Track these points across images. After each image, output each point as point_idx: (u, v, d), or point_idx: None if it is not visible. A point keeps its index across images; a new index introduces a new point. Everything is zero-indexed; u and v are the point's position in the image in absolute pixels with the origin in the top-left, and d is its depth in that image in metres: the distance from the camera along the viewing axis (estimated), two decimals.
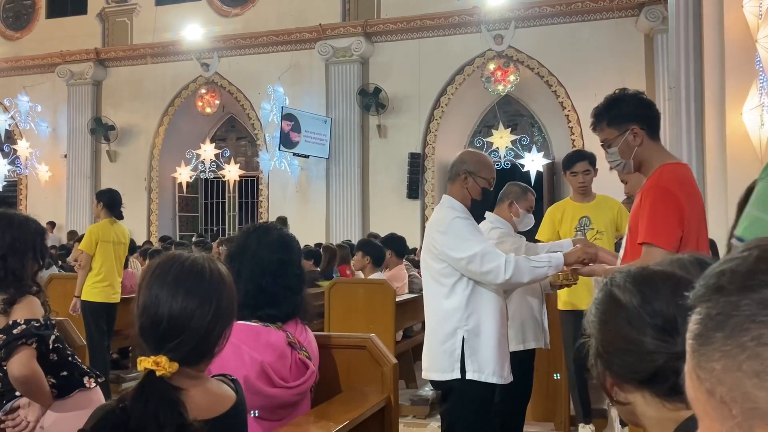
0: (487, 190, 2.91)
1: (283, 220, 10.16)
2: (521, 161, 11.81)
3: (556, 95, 11.67)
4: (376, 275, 5.53)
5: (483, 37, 11.83)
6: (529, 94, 12.31)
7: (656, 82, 10.69)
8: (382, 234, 6.89)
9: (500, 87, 11.74)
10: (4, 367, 2.07)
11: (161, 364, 1.28)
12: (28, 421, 2.14)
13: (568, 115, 11.59)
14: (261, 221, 12.91)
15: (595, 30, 11.36)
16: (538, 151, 11.90)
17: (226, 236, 12.13)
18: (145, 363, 1.29)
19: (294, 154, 12.38)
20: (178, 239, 12.52)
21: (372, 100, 12.26)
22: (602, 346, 1.05)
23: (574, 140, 11.45)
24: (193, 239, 11.29)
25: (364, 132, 12.65)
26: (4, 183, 14.81)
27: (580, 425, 4.11)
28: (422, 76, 12.25)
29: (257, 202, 13.86)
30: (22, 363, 2.03)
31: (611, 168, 2.53)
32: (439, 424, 2.93)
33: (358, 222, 12.37)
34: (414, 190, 12.24)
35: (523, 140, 11.98)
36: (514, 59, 11.80)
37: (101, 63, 14.39)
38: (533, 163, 11.71)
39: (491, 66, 11.80)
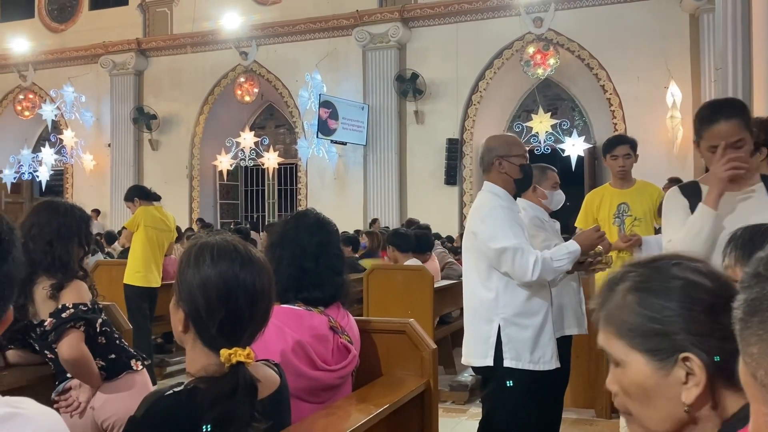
0: (525, 165, 2.88)
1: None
2: (561, 146, 11.63)
3: (598, 78, 11.46)
4: (411, 261, 5.55)
5: (522, 20, 11.66)
6: (570, 77, 12.11)
7: (702, 63, 10.41)
8: (422, 221, 6.91)
9: (540, 70, 11.57)
10: (56, 350, 2.13)
11: (251, 356, 1.33)
12: (79, 401, 2.21)
13: (609, 99, 11.37)
14: (300, 208, 13.03)
15: (637, 10, 11.09)
16: (579, 135, 11.71)
17: (267, 223, 12.29)
18: (238, 357, 1.31)
19: (332, 141, 12.42)
20: (219, 226, 12.73)
21: (409, 85, 12.21)
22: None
23: (616, 124, 11.24)
24: (231, 226, 11.48)
25: (401, 118, 12.62)
26: (51, 172, 15.21)
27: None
28: (460, 60, 12.14)
29: (296, 189, 13.96)
30: (71, 345, 2.10)
31: None
32: (479, 409, 2.93)
33: (396, 208, 12.38)
34: (452, 176, 12.18)
35: (564, 125, 11.79)
36: (553, 42, 11.61)
37: (142, 53, 14.62)
38: (574, 147, 11.53)
39: (530, 49, 11.63)
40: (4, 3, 16.07)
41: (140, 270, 5.62)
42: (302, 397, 1.82)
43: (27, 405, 0.86)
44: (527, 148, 3.11)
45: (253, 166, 14.28)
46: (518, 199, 3.19)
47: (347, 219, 11.02)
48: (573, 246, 2.80)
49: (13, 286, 0.92)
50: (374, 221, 11.78)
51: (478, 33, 12.08)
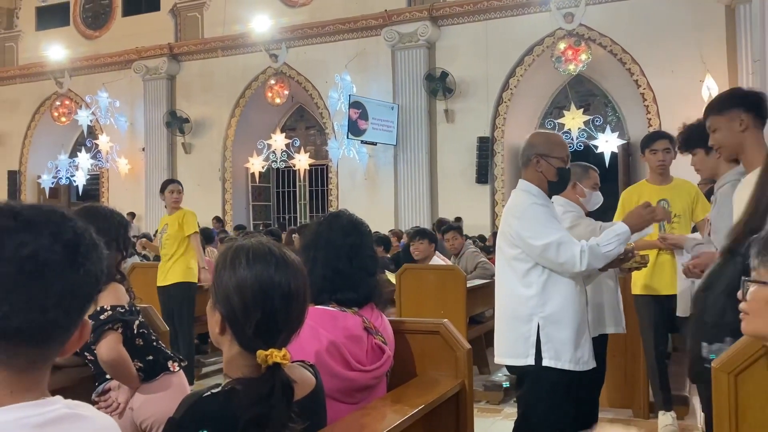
0: (563, 169, 2.83)
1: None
2: (595, 142, 11.50)
3: (631, 73, 11.29)
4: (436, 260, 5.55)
5: (552, 15, 11.54)
6: (602, 72, 11.96)
7: (738, 55, 10.18)
8: (452, 219, 6.86)
9: (571, 66, 11.44)
10: (95, 351, 2.17)
11: (287, 357, 1.34)
12: (118, 402, 2.24)
13: (643, 94, 11.20)
14: (331, 209, 13.09)
15: (670, 3, 10.90)
16: (612, 131, 11.55)
17: (298, 225, 12.37)
18: (275, 358, 1.32)
19: (362, 141, 12.45)
20: (251, 228, 12.86)
21: (439, 84, 12.17)
22: None
23: (650, 119, 11.06)
24: (261, 228, 11.57)
25: (431, 117, 12.59)
26: (88, 176, 15.52)
27: (660, 412, 3.99)
28: (490, 58, 12.07)
29: (327, 190, 14.02)
30: (109, 347, 2.13)
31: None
32: (513, 409, 2.91)
33: (427, 208, 12.35)
34: (483, 174, 12.11)
35: (597, 121, 11.65)
36: (585, 37, 11.47)
37: (174, 57, 14.82)
38: (607, 144, 11.38)
39: (561, 45, 11.51)
40: (41, 12, 16.44)
41: (193, 267, 5.73)
42: (337, 397, 1.83)
43: (84, 407, 0.91)
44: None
45: (285, 167, 14.38)
46: (555, 197, 3.15)
47: (378, 219, 11.03)
48: (621, 227, 2.73)
49: (81, 300, 0.90)
50: (458, 220, 11.65)
51: (507, 30, 11.99)
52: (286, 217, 14.91)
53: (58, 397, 0.89)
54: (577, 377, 2.79)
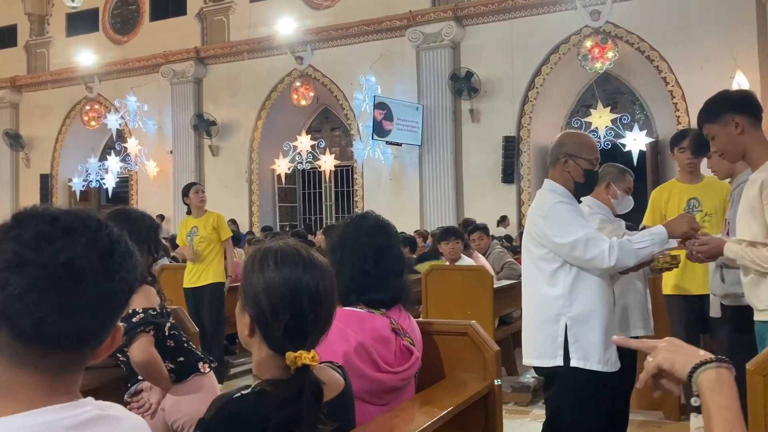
0: (590, 171, 2.81)
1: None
2: (622, 141, 11.35)
3: (659, 70, 11.13)
4: (465, 260, 5.53)
5: (578, 13, 11.43)
6: (629, 70, 11.81)
7: None
8: (478, 220, 6.84)
9: (598, 64, 11.31)
10: (127, 353, 2.21)
11: (315, 359, 1.35)
12: (150, 403, 2.27)
13: (671, 91, 11.03)
14: (356, 210, 13.13)
15: None
16: (640, 129, 11.40)
17: (324, 226, 12.41)
18: (304, 359, 1.33)
19: (387, 142, 12.45)
20: (278, 229, 12.94)
21: (464, 84, 12.13)
22: None
23: (679, 116, 10.90)
24: (287, 229, 11.64)
25: (456, 117, 12.55)
26: (117, 179, 15.76)
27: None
28: (515, 57, 12.00)
29: (352, 191, 14.06)
30: (141, 349, 2.16)
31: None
32: (542, 411, 2.89)
33: (452, 208, 12.31)
34: (509, 174, 12.04)
35: (624, 119, 11.50)
36: (612, 35, 11.34)
37: (201, 61, 14.98)
38: (635, 142, 11.23)
39: (588, 43, 11.39)
40: (71, 18, 16.72)
41: (221, 268, 5.85)
42: (365, 398, 1.83)
43: (115, 408, 0.94)
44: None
45: (310, 169, 14.45)
46: (585, 197, 3.12)
47: (404, 220, 11.00)
48: (658, 229, 2.72)
49: (115, 307, 0.91)
50: (503, 219, 11.67)
51: (533, 28, 11.91)
52: (312, 218, 14.98)
53: (90, 399, 0.91)
54: (606, 379, 2.76)
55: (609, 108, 11.61)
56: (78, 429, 0.86)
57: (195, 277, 5.82)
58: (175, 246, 9.60)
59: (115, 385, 2.38)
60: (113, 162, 15.56)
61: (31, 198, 16.62)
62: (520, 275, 5.09)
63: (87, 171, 16.00)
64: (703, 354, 1.02)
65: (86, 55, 15.81)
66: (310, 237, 9.19)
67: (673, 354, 1.03)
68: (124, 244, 0.92)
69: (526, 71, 12.01)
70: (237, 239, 8.08)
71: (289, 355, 1.33)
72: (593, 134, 11.21)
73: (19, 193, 17.14)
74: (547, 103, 12.16)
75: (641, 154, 11.26)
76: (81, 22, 16.63)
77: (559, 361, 2.67)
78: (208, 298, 5.74)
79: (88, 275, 0.86)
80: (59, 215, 0.89)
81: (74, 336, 0.87)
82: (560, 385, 2.72)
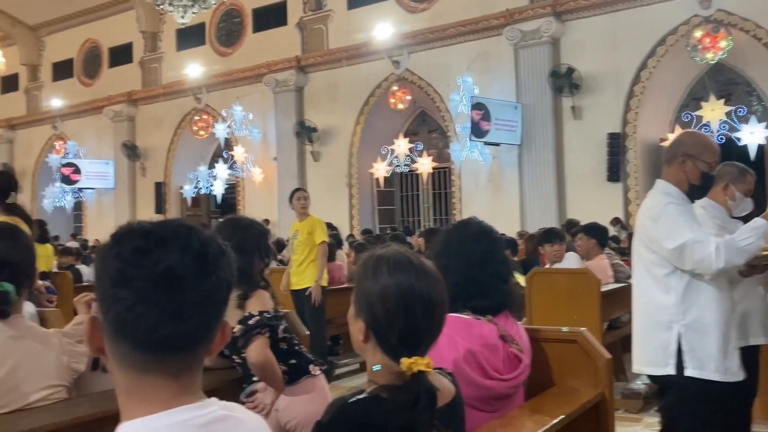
0: (707, 174, 2.69)
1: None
2: (738, 135, 10.70)
3: None
4: (569, 262, 5.37)
5: (687, 2, 10.88)
6: (745, 59, 11.11)
7: None
8: (583, 221, 6.64)
9: (709, 55, 10.72)
10: (243, 355, 2.31)
11: (430, 365, 1.36)
12: (265, 403, 2.37)
13: None
14: (454, 212, 13.07)
15: None
16: (759, 122, 10.70)
17: (421, 228, 12.45)
18: (419, 366, 1.34)
19: (485, 143, 12.32)
20: (377, 231, 13.09)
21: (565, 81, 11.83)
22: None
23: None
24: (388, 232, 11.74)
25: (557, 115, 12.25)
26: (225, 186, 16.48)
27: None
28: (618, 51, 11.58)
29: (450, 192, 14.02)
30: (257, 351, 2.26)
31: None
32: (653, 419, 2.79)
33: (555, 209, 12.00)
34: (615, 172, 11.61)
35: (740, 111, 10.83)
36: (724, 23, 10.72)
37: (302, 69, 15.40)
38: (752, 135, 10.55)
39: (698, 33, 10.81)
40: (180, 33, 17.63)
41: (325, 272, 6.01)
42: (475, 405, 1.83)
43: (238, 409, 0.99)
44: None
45: (408, 171, 14.53)
46: (700, 199, 2.98)
47: (503, 221, 10.85)
48: (757, 221, 2.59)
49: (218, 304, 0.96)
50: (617, 221, 11.27)
51: (637, 20, 11.44)
52: (411, 221, 15.06)
53: (214, 399, 0.96)
54: (725, 388, 2.63)
55: (722, 100, 10.98)
56: (207, 427, 0.91)
57: (296, 279, 6.01)
58: (280, 249, 9.95)
59: (230, 387, 2.48)
60: (221, 169, 16.28)
61: (147, 205, 17.69)
62: (628, 277, 4.91)
63: (197, 179, 16.83)
64: None
65: (194, 67, 16.63)
66: (408, 239, 9.23)
67: None
68: (215, 245, 0.97)
69: (630, 65, 11.56)
70: (339, 244, 8.23)
71: (405, 361, 1.34)
72: (705, 128, 10.64)
73: (137, 200, 18.28)
74: (654, 98, 11.65)
75: (760, 148, 10.57)
76: (189, 37, 17.50)
77: (671, 370, 2.57)
78: (308, 300, 5.90)
79: (187, 279, 0.91)
80: (151, 228, 0.94)
81: (186, 337, 0.92)
82: (676, 394, 2.61)
